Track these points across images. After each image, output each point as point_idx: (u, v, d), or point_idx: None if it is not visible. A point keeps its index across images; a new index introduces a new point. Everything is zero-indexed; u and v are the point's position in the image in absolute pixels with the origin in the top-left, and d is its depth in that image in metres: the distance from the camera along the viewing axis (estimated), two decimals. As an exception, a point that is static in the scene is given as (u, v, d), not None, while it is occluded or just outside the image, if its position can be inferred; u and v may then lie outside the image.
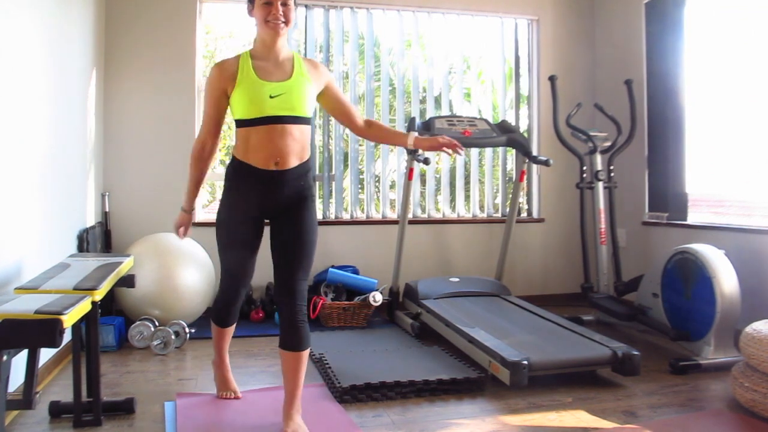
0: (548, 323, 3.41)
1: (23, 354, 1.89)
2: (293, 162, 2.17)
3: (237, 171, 2.21)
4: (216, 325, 2.56)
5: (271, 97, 2.10)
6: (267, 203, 2.22)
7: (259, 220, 2.29)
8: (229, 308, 2.50)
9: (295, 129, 2.14)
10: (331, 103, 2.37)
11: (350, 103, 2.45)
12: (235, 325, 2.60)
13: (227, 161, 2.31)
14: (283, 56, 2.19)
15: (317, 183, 4.47)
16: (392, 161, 4.88)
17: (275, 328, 3.32)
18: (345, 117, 2.41)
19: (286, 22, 2.12)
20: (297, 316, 2.16)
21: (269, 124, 2.10)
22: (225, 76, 2.14)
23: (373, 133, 2.45)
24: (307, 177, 2.24)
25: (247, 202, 2.23)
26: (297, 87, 2.15)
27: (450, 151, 2.31)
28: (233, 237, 2.31)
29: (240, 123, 2.15)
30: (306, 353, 2.20)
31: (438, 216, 4.81)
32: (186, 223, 2.44)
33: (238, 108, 2.13)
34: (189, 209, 2.42)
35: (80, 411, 2.29)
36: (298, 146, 2.17)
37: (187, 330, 3.49)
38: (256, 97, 2.10)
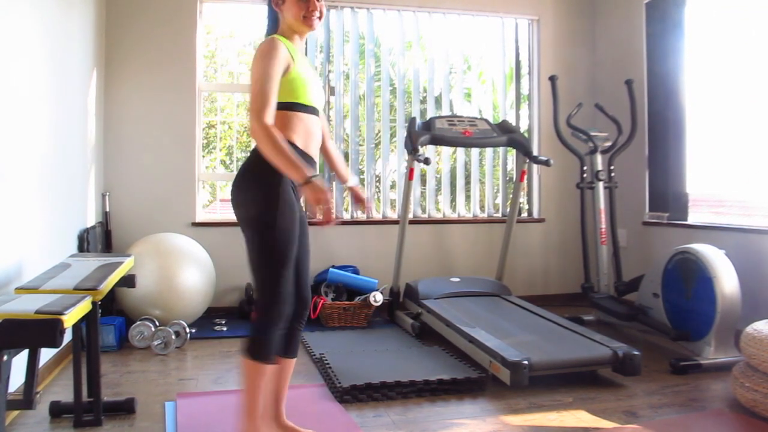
0: (549, 323, 3.41)
1: (24, 354, 1.89)
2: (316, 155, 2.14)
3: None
4: (259, 361, 1.93)
5: (318, 88, 2.10)
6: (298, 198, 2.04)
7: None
8: (277, 329, 1.98)
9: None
10: None
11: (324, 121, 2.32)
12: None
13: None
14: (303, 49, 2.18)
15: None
16: (393, 161, 4.88)
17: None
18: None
19: (321, 17, 2.09)
20: (302, 325, 2.17)
21: (315, 114, 2.06)
22: (285, 49, 1.94)
23: (328, 157, 2.35)
24: None
25: (298, 199, 2.01)
26: (318, 81, 2.16)
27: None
28: (292, 248, 1.97)
29: (290, 106, 1.95)
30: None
31: (438, 216, 4.81)
32: (327, 193, 1.83)
33: (294, 90, 1.96)
34: (313, 174, 1.84)
35: (81, 411, 2.29)
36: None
37: (187, 330, 3.49)
38: (313, 85, 2.05)
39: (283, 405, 2.18)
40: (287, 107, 1.95)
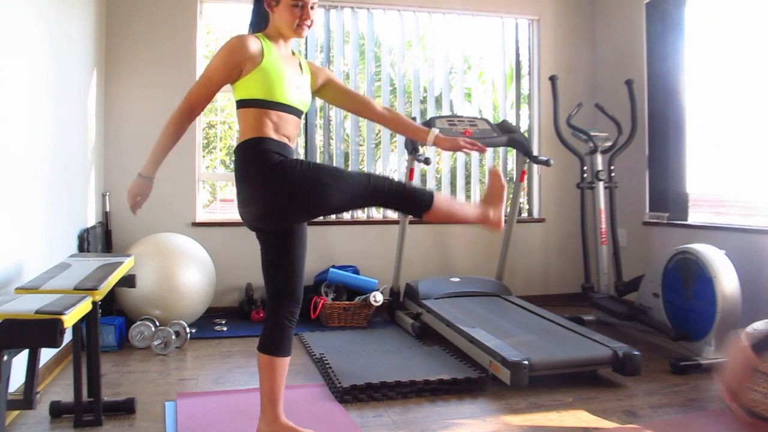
0: (549, 323, 3.41)
1: (24, 354, 1.89)
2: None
3: (277, 149, 2.00)
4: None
5: (296, 87, 2.09)
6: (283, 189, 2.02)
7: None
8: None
9: (300, 123, 2.16)
10: (338, 96, 2.29)
11: (358, 92, 2.36)
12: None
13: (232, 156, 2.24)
14: (290, 51, 2.18)
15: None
16: (393, 161, 4.88)
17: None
18: (358, 104, 2.30)
19: (311, 26, 2.11)
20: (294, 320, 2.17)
21: (289, 113, 2.05)
22: (249, 50, 1.98)
23: (393, 120, 2.31)
24: None
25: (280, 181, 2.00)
26: (308, 85, 2.17)
27: (470, 150, 2.24)
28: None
29: (255, 103, 2.00)
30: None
31: (438, 216, 4.80)
32: (145, 192, 2.15)
33: (259, 87, 1.99)
34: (150, 175, 2.15)
35: (81, 411, 2.29)
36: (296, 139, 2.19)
37: (187, 330, 3.49)
38: (286, 83, 2.04)
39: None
40: (248, 104, 2.01)
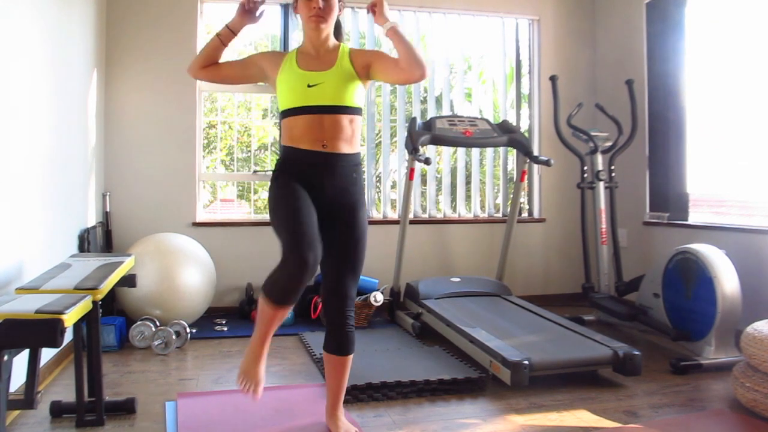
0: (549, 323, 3.41)
1: (24, 354, 1.89)
2: (344, 148, 2.12)
3: (286, 156, 2.15)
4: (268, 303, 2.00)
5: (309, 86, 2.09)
6: (320, 190, 2.10)
7: (316, 208, 2.11)
8: (295, 278, 1.95)
9: (338, 118, 2.10)
10: (383, 69, 2.13)
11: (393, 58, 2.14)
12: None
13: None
14: (328, 49, 2.18)
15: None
16: (393, 161, 4.88)
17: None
18: (395, 68, 2.09)
19: (326, 18, 2.11)
20: (347, 321, 2.18)
21: (310, 113, 2.08)
22: (272, 59, 2.20)
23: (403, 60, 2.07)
24: (358, 169, 2.18)
25: (301, 183, 2.10)
26: (336, 77, 2.11)
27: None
28: (291, 201, 2.05)
29: (284, 113, 2.14)
30: (351, 357, 2.22)
31: (439, 216, 4.81)
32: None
33: (281, 98, 2.15)
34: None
35: (83, 411, 2.29)
36: (345, 134, 2.12)
37: (187, 330, 3.49)
38: (296, 86, 2.10)
39: (335, 403, 2.25)
40: (282, 115, 2.17)
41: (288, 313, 2.06)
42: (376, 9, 2.10)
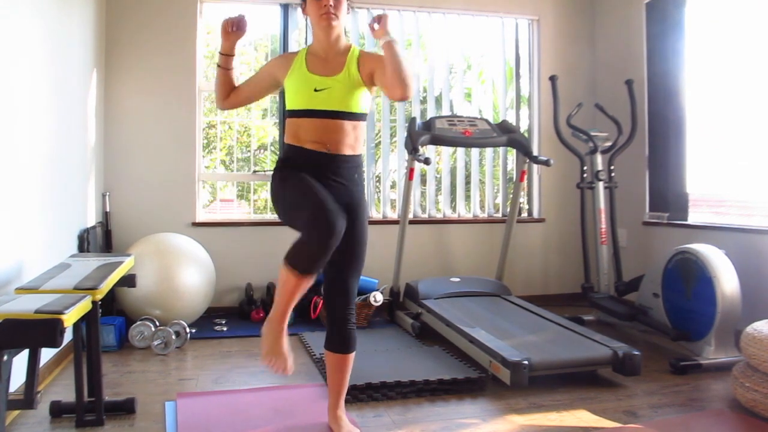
0: (549, 323, 3.41)
1: (24, 354, 1.89)
2: (346, 151, 2.13)
3: (290, 153, 2.15)
4: (293, 272, 1.92)
5: (315, 90, 2.09)
6: (322, 185, 2.08)
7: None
8: (323, 245, 1.90)
9: (342, 124, 2.10)
10: (379, 82, 2.13)
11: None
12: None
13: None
14: (338, 51, 2.17)
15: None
16: (393, 161, 4.88)
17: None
18: (384, 85, 2.10)
19: (337, 15, 2.11)
20: (350, 319, 2.19)
21: (315, 117, 2.09)
22: (282, 64, 2.21)
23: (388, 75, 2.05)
24: (360, 170, 2.21)
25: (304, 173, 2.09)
26: (343, 83, 2.11)
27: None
28: (305, 182, 2.03)
29: (290, 113, 2.16)
30: (353, 355, 2.23)
31: (438, 216, 4.81)
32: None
33: (288, 98, 2.17)
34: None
35: (83, 411, 2.29)
36: (348, 139, 2.12)
37: (187, 330, 3.49)
38: (302, 89, 2.11)
39: (336, 402, 2.26)
40: (287, 114, 2.18)
41: (311, 283, 1.98)
42: (380, 22, 2.10)
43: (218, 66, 2.23)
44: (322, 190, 2.03)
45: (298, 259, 1.92)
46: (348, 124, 2.11)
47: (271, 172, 2.22)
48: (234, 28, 2.16)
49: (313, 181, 2.05)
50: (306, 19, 2.26)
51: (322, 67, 2.14)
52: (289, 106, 2.16)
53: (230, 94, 2.26)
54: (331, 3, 2.09)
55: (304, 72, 2.13)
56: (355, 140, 2.15)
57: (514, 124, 4.66)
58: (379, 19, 2.10)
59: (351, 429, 2.24)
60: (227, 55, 2.21)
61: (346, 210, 2.11)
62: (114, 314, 3.68)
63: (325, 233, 1.89)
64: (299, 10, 2.35)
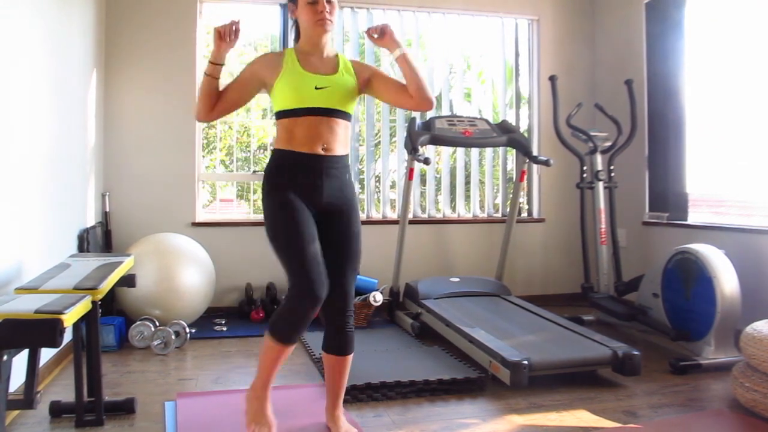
0: (549, 323, 3.41)
1: (24, 354, 1.89)
2: (339, 150, 2.15)
3: (281, 160, 2.12)
4: (277, 342, 2.05)
5: (316, 88, 2.10)
6: (315, 194, 2.12)
7: (312, 213, 2.13)
8: (307, 316, 2.02)
9: (338, 123, 2.13)
10: (384, 89, 2.21)
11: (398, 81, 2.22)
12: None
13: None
14: (329, 53, 2.20)
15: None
16: (392, 161, 4.88)
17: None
18: (398, 96, 2.19)
19: (332, 20, 2.14)
20: (348, 321, 2.18)
21: (314, 115, 2.09)
22: (269, 64, 2.14)
23: (413, 91, 2.14)
24: (349, 170, 2.23)
25: (296, 192, 2.10)
26: (342, 82, 2.15)
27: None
28: (293, 225, 2.05)
29: (283, 114, 2.12)
30: (351, 356, 2.23)
31: (438, 216, 4.81)
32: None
33: (281, 98, 2.11)
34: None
35: (82, 411, 2.29)
36: (341, 138, 2.15)
37: (187, 330, 3.49)
38: (301, 87, 2.10)
39: (335, 403, 2.26)
40: (279, 116, 2.14)
41: (292, 349, 2.10)
42: (386, 34, 2.14)
43: (206, 75, 2.11)
44: (310, 231, 2.06)
45: (281, 329, 2.05)
46: (342, 124, 2.16)
47: (263, 174, 2.19)
48: (233, 36, 2.08)
49: (303, 223, 2.06)
50: (293, 21, 2.21)
51: (318, 66, 2.15)
52: (284, 107, 2.11)
53: (215, 105, 2.14)
54: (327, 9, 2.10)
55: (300, 71, 2.12)
56: (345, 139, 2.19)
57: (514, 124, 4.66)
58: (383, 32, 2.15)
59: (349, 429, 2.24)
60: (219, 64, 2.11)
61: (339, 209, 2.17)
62: (114, 314, 3.68)
63: (309, 306, 2.00)
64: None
